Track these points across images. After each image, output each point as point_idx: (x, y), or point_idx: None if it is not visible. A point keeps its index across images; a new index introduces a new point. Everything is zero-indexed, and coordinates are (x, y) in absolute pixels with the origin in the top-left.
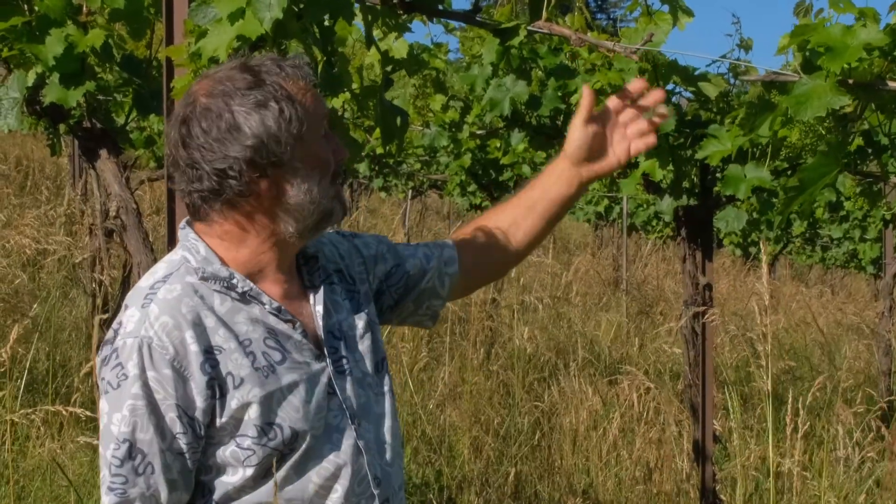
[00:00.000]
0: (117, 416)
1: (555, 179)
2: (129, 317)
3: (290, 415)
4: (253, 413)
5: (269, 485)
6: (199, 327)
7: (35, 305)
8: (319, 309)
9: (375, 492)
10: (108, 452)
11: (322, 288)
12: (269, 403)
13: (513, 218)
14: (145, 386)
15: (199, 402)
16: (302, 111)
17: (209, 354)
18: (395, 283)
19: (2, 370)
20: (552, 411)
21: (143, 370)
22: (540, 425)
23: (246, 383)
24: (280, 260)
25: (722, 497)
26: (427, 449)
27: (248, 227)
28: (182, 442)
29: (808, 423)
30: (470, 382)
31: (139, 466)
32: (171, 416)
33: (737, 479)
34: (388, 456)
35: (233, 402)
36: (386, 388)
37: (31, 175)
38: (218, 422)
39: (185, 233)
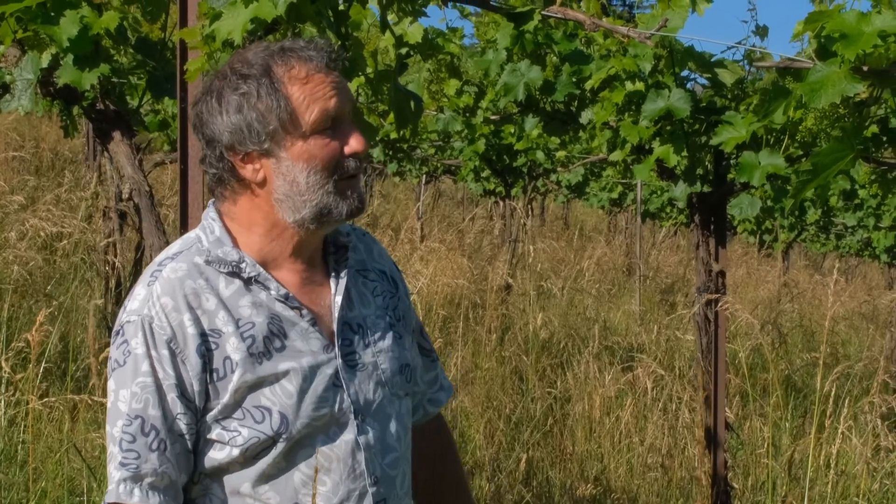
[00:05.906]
0: (125, 392)
1: None
2: (136, 295)
3: (281, 400)
4: (243, 396)
5: (255, 467)
6: (198, 310)
7: (48, 288)
8: (339, 300)
9: (371, 490)
10: (117, 429)
11: (345, 278)
12: (261, 388)
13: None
14: (151, 364)
15: (196, 384)
16: (285, 103)
17: (205, 338)
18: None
19: (22, 355)
20: (565, 397)
21: (148, 348)
22: (552, 411)
23: (239, 367)
24: (295, 248)
25: (734, 484)
26: None
27: (253, 212)
28: (182, 423)
29: (824, 411)
30: (483, 368)
31: (152, 443)
32: (171, 397)
33: (748, 467)
34: (389, 458)
35: (228, 386)
36: (404, 393)
37: (53, 159)
38: (211, 404)
39: (206, 211)
